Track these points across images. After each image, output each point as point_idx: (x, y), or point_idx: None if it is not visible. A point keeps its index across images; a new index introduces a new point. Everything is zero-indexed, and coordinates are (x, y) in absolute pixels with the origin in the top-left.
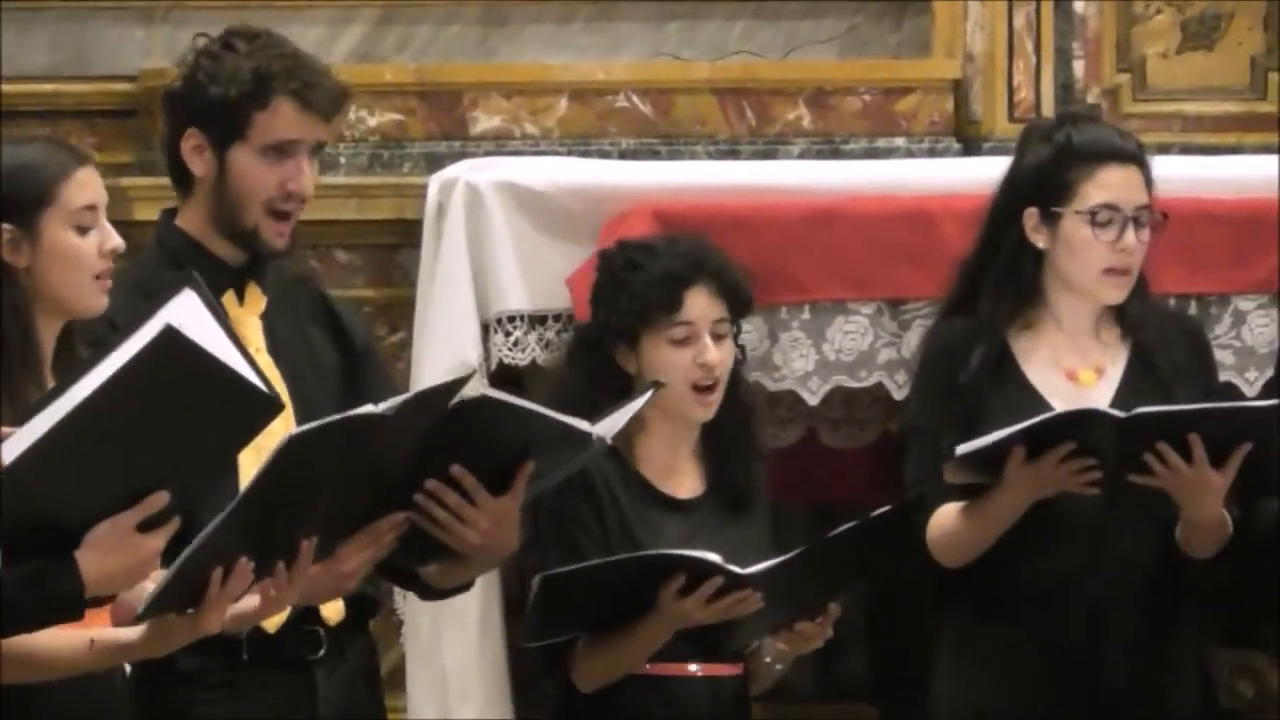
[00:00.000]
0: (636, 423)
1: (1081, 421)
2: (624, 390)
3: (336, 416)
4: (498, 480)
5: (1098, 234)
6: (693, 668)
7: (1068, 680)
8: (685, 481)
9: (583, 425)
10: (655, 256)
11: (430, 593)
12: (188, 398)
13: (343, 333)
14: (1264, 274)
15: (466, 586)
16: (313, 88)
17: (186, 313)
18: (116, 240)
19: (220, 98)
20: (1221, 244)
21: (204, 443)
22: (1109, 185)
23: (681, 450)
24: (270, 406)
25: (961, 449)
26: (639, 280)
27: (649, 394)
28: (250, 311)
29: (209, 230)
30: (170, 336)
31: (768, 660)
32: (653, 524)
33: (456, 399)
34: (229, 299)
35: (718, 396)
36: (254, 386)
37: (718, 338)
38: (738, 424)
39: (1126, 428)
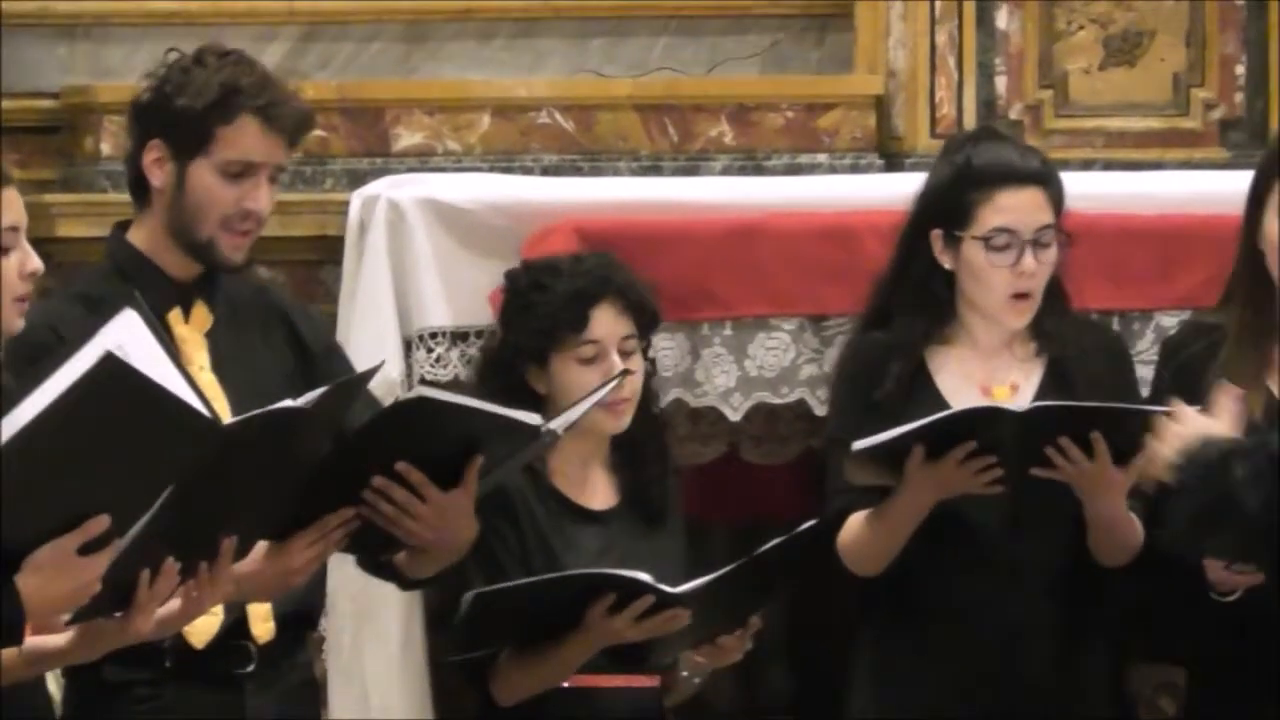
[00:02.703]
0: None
1: (981, 420)
2: (536, 410)
3: (256, 411)
4: (448, 474)
5: (993, 259)
6: (612, 680)
7: (980, 696)
8: (599, 494)
9: (529, 417)
10: (560, 276)
11: (409, 583)
12: (127, 422)
13: (299, 340)
14: (1186, 289)
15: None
16: (278, 107)
17: (128, 333)
18: (36, 263)
19: (185, 109)
20: (1144, 259)
21: (143, 466)
22: (1004, 209)
23: (593, 464)
24: (209, 431)
25: (858, 445)
26: (545, 301)
27: (606, 388)
28: (196, 329)
29: (162, 244)
30: (110, 362)
31: (684, 674)
32: (568, 536)
33: (395, 399)
34: (175, 316)
35: (630, 409)
36: (193, 411)
37: (626, 354)
38: (649, 437)
39: (1026, 422)
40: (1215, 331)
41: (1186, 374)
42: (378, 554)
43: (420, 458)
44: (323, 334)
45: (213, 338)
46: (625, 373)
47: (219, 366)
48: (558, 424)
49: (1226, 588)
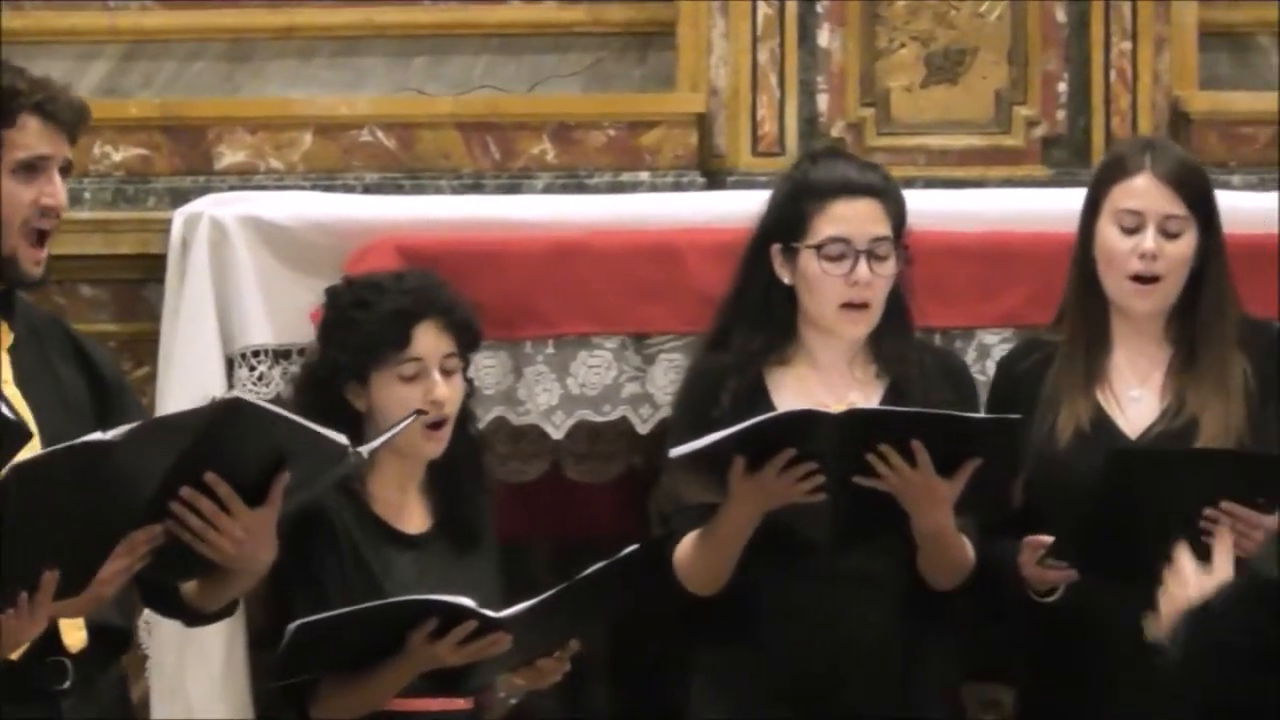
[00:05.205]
0: (368, 461)
1: (801, 424)
2: (355, 426)
3: (62, 445)
4: (253, 493)
5: (826, 268)
6: (428, 703)
7: (816, 708)
8: (414, 518)
9: (337, 437)
10: (383, 294)
11: (196, 618)
12: None
13: (93, 369)
14: (1008, 307)
15: (230, 610)
16: (55, 101)
17: None
18: None
19: None
20: (966, 277)
21: None
22: (839, 219)
23: (410, 487)
24: (18, 434)
25: (675, 450)
26: (367, 318)
27: (409, 419)
28: None
29: None
30: None
31: (501, 695)
32: (387, 561)
33: (209, 400)
34: None
35: (447, 432)
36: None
37: (447, 373)
38: (464, 458)
39: (844, 427)
40: (1049, 346)
41: (1020, 388)
42: (179, 574)
43: (228, 471)
44: (111, 366)
45: (15, 355)
46: (420, 413)
47: (23, 383)
48: (364, 449)
49: (1044, 586)
